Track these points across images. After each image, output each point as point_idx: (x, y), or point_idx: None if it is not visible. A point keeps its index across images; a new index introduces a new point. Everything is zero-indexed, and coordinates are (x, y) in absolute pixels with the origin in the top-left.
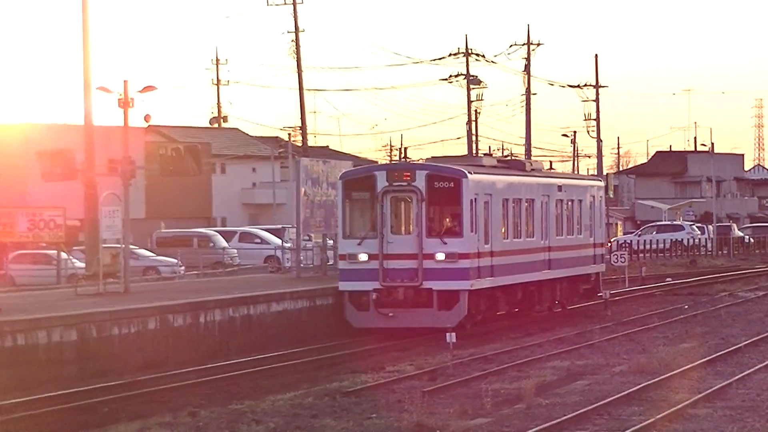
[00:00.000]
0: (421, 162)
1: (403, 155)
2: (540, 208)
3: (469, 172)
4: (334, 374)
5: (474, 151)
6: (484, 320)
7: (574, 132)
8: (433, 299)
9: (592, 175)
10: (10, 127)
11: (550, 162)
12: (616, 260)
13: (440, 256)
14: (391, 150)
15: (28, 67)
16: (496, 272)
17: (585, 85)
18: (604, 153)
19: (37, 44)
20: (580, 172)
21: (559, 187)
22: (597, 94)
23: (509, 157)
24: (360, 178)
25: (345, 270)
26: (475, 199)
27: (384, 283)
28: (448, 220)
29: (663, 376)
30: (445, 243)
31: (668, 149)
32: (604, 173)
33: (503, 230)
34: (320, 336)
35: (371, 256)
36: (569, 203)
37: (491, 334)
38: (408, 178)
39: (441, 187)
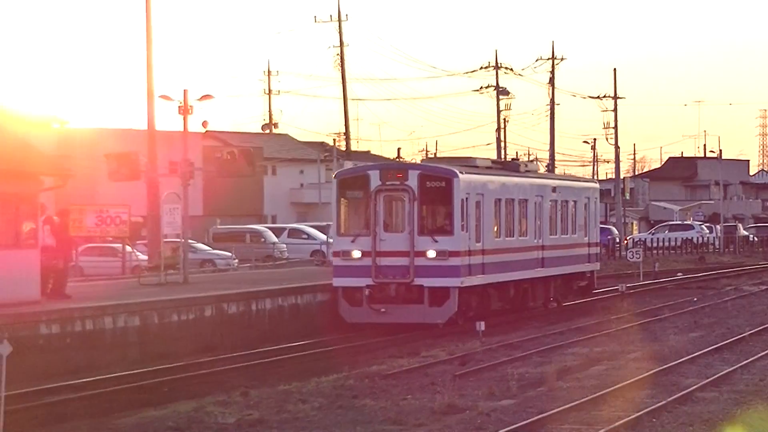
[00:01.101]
0: (413, 162)
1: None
2: (533, 208)
3: (460, 172)
4: (372, 359)
5: (503, 156)
6: (476, 316)
7: (594, 139)
8: (424, 296)
9: (587, 177)
10: (81, 132)
11: (553, 166)
12: (631, 256)
13: (431, 254)
14: (426, 154)
15: (97, 77)
16: (488, 270)
17: (604, 96)
18: (621, 158)
19: (105, 56)
20: (597, 176)
21: (554, 189)
22: (615, 104)
23: (534, 161)
24: (354, 177)
25: (339, 267)
26: (467, 198)
27: (376, 280)
28: (439, 218)
29: (673, 363)
30: (436, 241)
31: (680, 155)
32: (621, 177)
33: (495, 229)
34: (361, 324)
35: (364, 253)
36: (563, 204)
37: (517, 323)
38: (401, 178)
39: (432, 187)
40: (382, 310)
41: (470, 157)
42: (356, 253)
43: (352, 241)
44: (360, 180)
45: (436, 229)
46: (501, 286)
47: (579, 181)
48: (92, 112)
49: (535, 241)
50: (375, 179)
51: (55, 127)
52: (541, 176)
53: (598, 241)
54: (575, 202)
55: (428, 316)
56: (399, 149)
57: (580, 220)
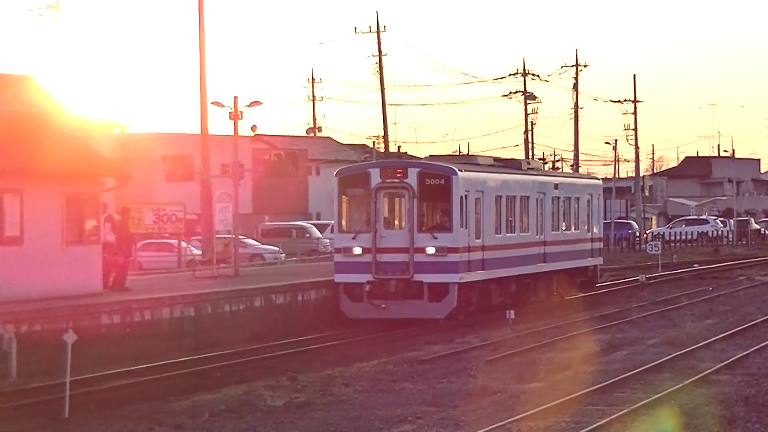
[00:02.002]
0: (413, 160)
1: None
2: (535, 204)
3: (459, 170)
4: (410, 345)
5: (530, 157)
6: (477, 311)
7: (615, 140)
8: (423, 291)
9: (590, 174)
10: (140, 136)
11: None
12: (651, 249)
13: (431, 250)
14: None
15: (155, 85)
16: (488, 265)
17: (625, 100)
18: (640, 158)
19: (162, 65)
20: (618, 174)
21: (556, 186)
22: (635, 108)
23: (558, 161)
24: (355, 174)
25: (340, 263)
26: (466, 195)
27: (377, 276)
28: (438, 215)
29: (690, 348)
30: (436, 237)
31: (695, 155)
32: (641, 175)
33: (496, 225)
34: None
35: (365, 250)
36: (566, 200)
37: (544, 312)
38: (400, 176)
39: (432, 184)
40: (382, 305)
41: (471, 155)
42: (357, 250)
43: (353, 238)
44: (361, 178)
45: (436, 226)
46: (502, 281)
47: (581, 178)
48: (150, 117)
49: (537, 236)
50: (375, 177)
51: (116, 133)
52: (544, 174)
53: (601, 236)
54: (577, 198)
55: (428, 311)
56: (399, 147)
57: (583, 216)
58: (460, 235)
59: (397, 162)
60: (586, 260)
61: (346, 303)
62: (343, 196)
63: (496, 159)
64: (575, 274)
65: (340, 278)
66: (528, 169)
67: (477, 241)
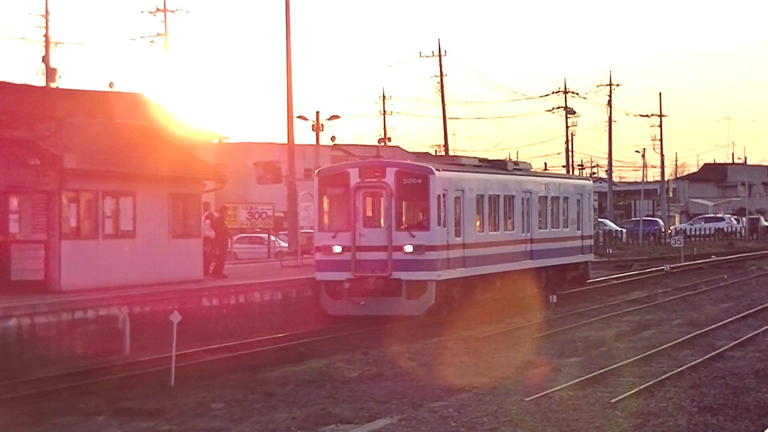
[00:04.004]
0: (391, 159)
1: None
2: (521, 203)
3: (436, 169)
4: (466, 326)
5: (570, 165)
6: (461, 306)
7: (644, 149)
8: (402, 289)
9: (581, 176)
10: (236, 145)
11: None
12: (674, 242)
13: (408, 248)
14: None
15: (248, 100)
16: (469, 263)
17: (651, 114)
18: (665, 164)
19: (255, 84)
20: (646, 178)
21: (543, 185)
22: (660, 121)
23: (594, 167)
24: (335, 174)
25: (321, 261)
26: (444, 194)
27: (356, 274)
28: (416, 214)
29: (708, 328)
30: (414, 236)
31: (713, 162)
32: (665, 179)
33: (478, 224)
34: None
35: (345, 248)
36: (554, 200)
37: (582, 295)
38: (379, 175)
39: (409, 184)
40: (362, 303)
41: (456, 156)
42: (337, 248)
43: (333, 237)
44: (340, 177)
45: (413, 224)
46: (486, 277)
47: (572, 178)
48: (245, 128)
49: (523, 234)
50: (354, 176)
51: (215, 142)
52: (532, 174)
53: (592, 234)
54: (566, 198)
55: (406, 308)
56: (381, 140)
57: (572, 215)
58: (437, 233)
59: (375, 162)
60: (575, 257)
61: (327, 300)
62: (324, 196)
63: (481, 160)
64: (565, 270)
65: (321, 276)
66: (514, 169)
67: (457, 239)
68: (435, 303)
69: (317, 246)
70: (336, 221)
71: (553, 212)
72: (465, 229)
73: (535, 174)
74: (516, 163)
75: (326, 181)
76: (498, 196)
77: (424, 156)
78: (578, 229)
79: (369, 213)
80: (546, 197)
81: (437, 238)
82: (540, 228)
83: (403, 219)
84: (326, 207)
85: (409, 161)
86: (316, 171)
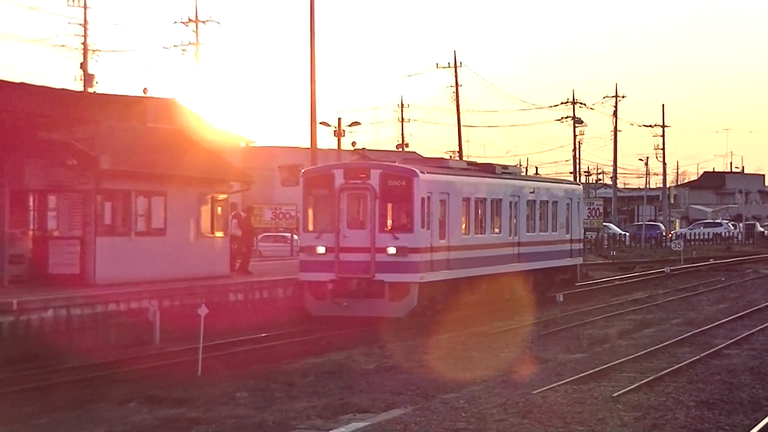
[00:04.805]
0: (376, 161)
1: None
2: (508, 207)
3: (421, 172)
4: (478, 322)
5: (578, 172)
6: (445, 309)
7: (647, 157)
8: (384, 290)
9: (571, 180)
10: (262, 149)
11: (615, 178)
12: (675, 246)
13: (392, 250)
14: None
15: (274, 106)
16: (454, 265)
17: (655, 125)
18: (667, 172)
19: (280, 90)
20: (648, 185)
21: (531, 190)
22: (663, 131)
23: (600, 173)
24: (320, 175)
25: (305, 262)
26: (428, 197)
27: (339, 275)
28: (400, 216)
29: (706, 327)
30: (397, 238)
31: (712, 170)
32: (667, 186)
33: (464, 226)
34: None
35: (328, 249)
36: (543, 204)
37: (587, 294)
38: (363, 177)
39: (394, 186)
40: (345, 304)
41: (443, 159)
42: (321, 249)
43: (317, 237)
44: (325, 178)
45: (397, 226)
46: (472, 280)
47: (560, 183)
48: (270, 133)
49: (510, 238)
50: (339, 178)
51: (242, 145)
52: (520, 178)
53: (581, 237)
54: (555, 202)
55: (389, 310)
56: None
57: (562, 218)
58: (421, 235)
59: (360, 163)
60: (564, 260)
61: (311, 301)
62: (309, 197)
63: (469, 163)
64: (554, 273)
65: (305, 277)
66: (503, 173)
67: (441, 241)
68: (417, 305)
69: (301, 246)
70: (320, 222)
71: (541, 216)
72: (450, 232)
73: (524, 178)
74: (505, 167)
75: (311, 182)
76: (485, 199)
77: (410, 158)
78: (567, 233)
79: (353, 214)
80: (534, 201)
81: (420, 241)
82: (528, 231)
83: (387, 221)
84: (311, 208)
85: (394, 163)
86: (302, 172)
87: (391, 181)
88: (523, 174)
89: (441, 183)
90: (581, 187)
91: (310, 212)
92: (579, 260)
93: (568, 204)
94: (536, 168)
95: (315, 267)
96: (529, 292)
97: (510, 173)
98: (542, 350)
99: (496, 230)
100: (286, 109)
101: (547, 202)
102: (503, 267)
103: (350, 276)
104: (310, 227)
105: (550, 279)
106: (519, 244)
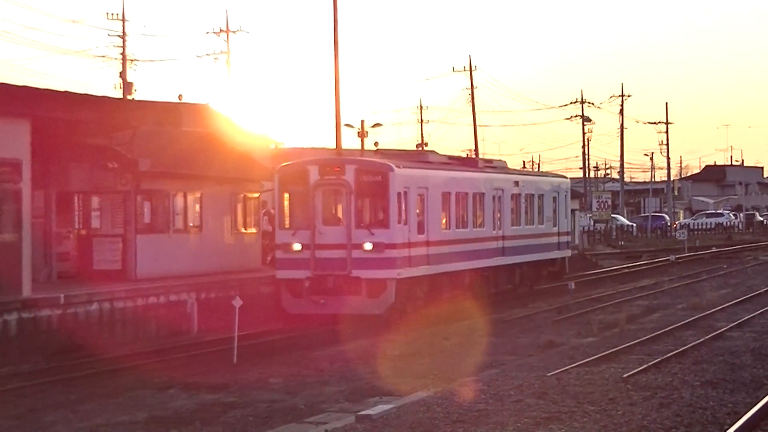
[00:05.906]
0: (351, 157)
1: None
2: (491, 201)
3: (396, 167)
4: (495, 310)
5: (586, 167)
6: (426, 304)
7: (652, 152)
8: (361, 287)
9: (558, 173)
10: (290, 150)
11: (622, 173)
12: (679, 235)
13: (368, 246)
14: (532, 165)
15: (301, 109)
16: (433, 260)
17: (659, 122)
18: (671, 166)
19: (306, 94)
20: (653, 178)
21: (516, 183)
22: (667, 127)
23: (608, 168)
24: (295, 171)
25: (281, 259)
26: (405, 192)
27: (315, 272)
28: (376, 212)
29: (709, 311)
30: (373, 234)
31: (713, 164)
32: (671, 179)
33: (444, 221)
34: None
35: (304, 246)
36: (528, 197)
37: (597, 282)
38: (338, 172)
39: (369, 181)
40: (322, 301)
41: (423, 152)
42: (296, 246)
43: (293, 234)
44: (300, 174)
45: (373, 222)
46: (455, 274)
47: (547, 176)
48: (297, 135)
49: (494, 231)
50: (314, 174)
51: (271, 147)
52: (504, 172)
53: (569, 230)
54: (541, 195)
55: (366, 307)
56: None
57: (548, 212)
58: (397, 231)
59: (335, 159)
60: (551, 253)
61: (287, 298)
62: (285, 193)
63: (451, 157)
64: (541, 266)
65: (281, 274)
66: (485, 167)
67: (420, 236)
68: (396, 301)
69: (277, 243)
70: (296, 219)
71: (527, 209)
72: (429, 227)
73: (508, 171)
74: (489, 161)
75: (286, 179)
76: (467, 193)
77: (387, 152)
78: (555, 226)
79: (329, 211)
80: (519, 195)
81: (397, 236)
82: (513, 225)
83: (363, 217)
84: (286, 204)
85: (369, 158)
86: (277, 168)
87: (366, 177)
88: (508, 167)
89: (418, 177)
90: (568, 180)
91: (286, 209)
92: (567, 253)
93: (555, 197)
94: (538, 164)
95: (291, 264)
96: (516, 285)
97: (493, 167)
98: (555, 334)
99: (479, 224)
100: (312, 112)
101: (533, 195)
102: (487, 261)
103: (327, 273)
104: (286, 224)
105: (538, 272)
106: (504, 237)
